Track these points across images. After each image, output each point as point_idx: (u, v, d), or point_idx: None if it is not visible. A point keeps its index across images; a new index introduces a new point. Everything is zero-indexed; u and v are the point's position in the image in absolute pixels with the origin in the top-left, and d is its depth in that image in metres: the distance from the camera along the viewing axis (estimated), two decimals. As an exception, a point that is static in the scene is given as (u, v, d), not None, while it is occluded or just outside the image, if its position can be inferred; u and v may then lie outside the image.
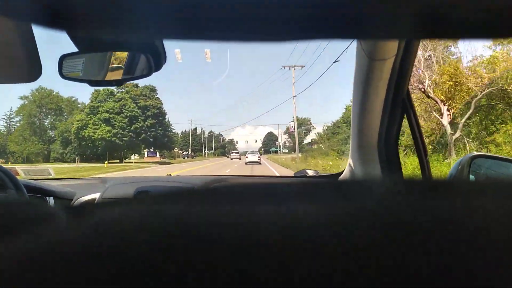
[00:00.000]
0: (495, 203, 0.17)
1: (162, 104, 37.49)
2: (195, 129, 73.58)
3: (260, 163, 25.51)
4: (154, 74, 0.90)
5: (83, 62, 0.91)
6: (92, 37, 0.86)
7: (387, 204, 0.17)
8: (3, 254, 0.15)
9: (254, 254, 0.13)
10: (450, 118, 9.83)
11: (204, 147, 69.88)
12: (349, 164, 1.17)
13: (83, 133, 31.82)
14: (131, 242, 0.14)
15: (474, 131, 9.85)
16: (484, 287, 0.12)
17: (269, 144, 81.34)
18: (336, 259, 0.13)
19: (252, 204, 0.18)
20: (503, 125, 9.29)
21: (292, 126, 28.81)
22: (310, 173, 1.48)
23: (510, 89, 9.03)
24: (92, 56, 0.92)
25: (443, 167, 8.07)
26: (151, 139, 35.24)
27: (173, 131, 71.31)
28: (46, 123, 39.18)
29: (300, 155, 24.65)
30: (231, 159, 38.53)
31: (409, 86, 0.97)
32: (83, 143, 32.28)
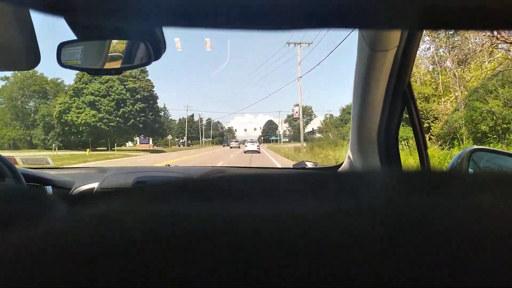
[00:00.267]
0: (494, 197, 0.17)
1: (153, 86, 37.06)
2: (192, 116, 74.07)
3: (259, 152, 26.65)
4: (153, 62, 0.97)
5: (81, 50, 0.98)
6: (91, 25, 0.92)
7: (386, 197, 0.18)
8: (1, 244, 0.15)
9: (253, 249, 0.14)
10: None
11: (202, 135, 70.54)
12: (348, 156, 1.26)
13: (65, 118, 31.48)
14: (129, 235, 0.15)
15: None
16: (483, 281, 0.12)
17: (268, 133, 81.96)
18: (336, 253, 0.14)
19: (251, 196, 0.19)
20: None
21: (297, 112, 27.82)
22: (309, 165, 1.58)
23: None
24: (91, 44, 0.99)
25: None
26: (141, 125, 34.84)
27: (170, 117, 71.92)
28: (29, 107, 38.79)
29: (305, 144, 23.56)
30: (230, 147, 40.86)
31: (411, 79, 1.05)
32: (66, 128, 32.06)
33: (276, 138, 68.14)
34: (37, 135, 35.85)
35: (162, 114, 43.48)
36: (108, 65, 0.99)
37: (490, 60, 10.85)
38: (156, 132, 39.06)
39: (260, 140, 73.47)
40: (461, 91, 11.60)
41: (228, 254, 0.14)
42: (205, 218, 0.16)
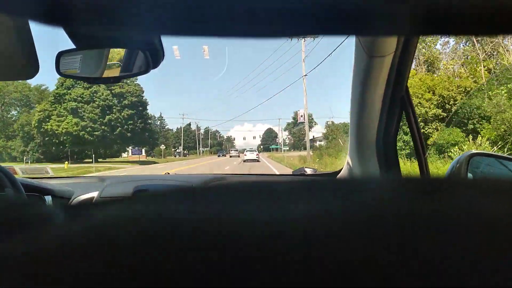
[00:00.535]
0: (493, 201, 0.19)
1: (142, 91, 36.46)
2: (189, 124, 74.87)
3: (258, 161, 27.95)
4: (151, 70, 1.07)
5: (80, 59, 1.08)
6: (90, 34, 1.01)
7: (385, 202, 0.19)
8: (1, 254, 0.17)
9: (252, 254, 0.15)
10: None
11: (199, 145, 71.12)
12: (347, 162, 1.36)
13: (45, 127, 30.58)
14: (129, 243, 0.16)
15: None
16: (481, 285, 0.13)
17: (268, 141, 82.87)
18: (334, 258, 0.15)
19: (251, 204, 0.21)
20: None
21: (301, 116, 27.53)
22: (309, 171, 1.69)
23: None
24: (90, 53, 1.09)
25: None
26: (129, 134, 34.10)
27: (166, 126, 72.30)
28: (10, 115, 37.79)
29: (311, 153, 23.20)
30: (230, 156, 42.80)
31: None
32: (46, 138, 31.04)
33: (276, 147, 68.62)
34: (15, 147, 34.85)
35: (152, 122, 42.19)
36: (107, 74, 1.09)
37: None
38: (146, 142, 38.11)
39: (259, 148, 74.49)
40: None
41: (227, 259, 0.15)
42: (204, 224, 0.17)
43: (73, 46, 1.05)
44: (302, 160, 22.05)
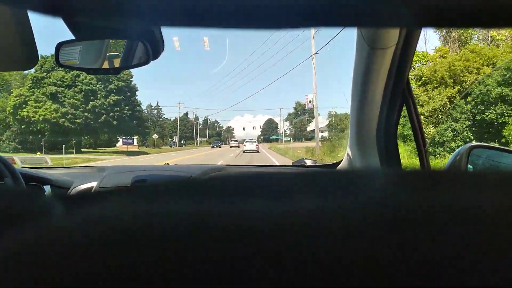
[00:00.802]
0: (493, 194, 0.20)
1: (131, 76, 35.72)
2: (186, 114, 75.27)
3: (258, 151, 29.58)
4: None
5: (80, 50, 1.17)
6: (89, 24, 1.08)
7: (385, 194, 0.21)
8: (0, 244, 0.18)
9: (251, 246, 0.16)
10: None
11: (196, 135, 72.00)
12: (347, 154, 1.47)
13: (21, 113, 29.79)
14: (126, 233, 0.17)
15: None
16: (482, 280, 0.14)
17: (268, 132, 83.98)
18: (334, 250, 0.16)
19: (250, 194, 0.22)
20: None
21: (310, 101, 26.34)
22: (308, 162, 1.81)
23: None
24: (89, 44, 1.18)
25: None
26: (115, 122, 33.20)
27: (163, 115, 72.30)
28: None
29: (320, 144, 21.67)
30: (230, 146, 45.24)
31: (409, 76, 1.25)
32: (23, 126, 30.40)
33: (277, 137, 69.02)
34: (-9, 136, 35.02)
35: (143, 109, 40.28)
36: (106, 65, 1.18)
37: None
38: (134, 130, 37.48)
39: (259, 139, 75.95)
40: None
41: (227, 251, 0.16)
42: (203, 216, 0.18)
43: (72, 37, 1.13)
44: (309, 152, 20.64)
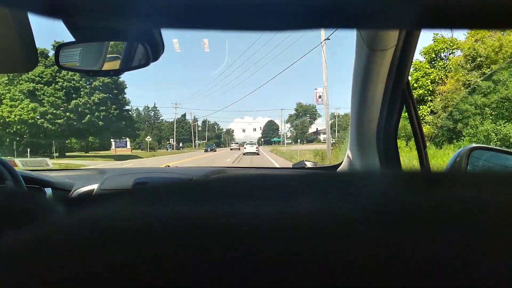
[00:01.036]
0: (493, 195, 0.20)
1: None
2: (184, 115, 75.17)
3: (258, 154, 30.58)
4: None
5: (80, 51, 1.18)
6: (89, 27, 1.09)
7: (386, 195, 0.21)
8: (1, 245, 0.18)
9: (252, 247, 0.16)
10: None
11: (195, 137, 71.54)
12: (348, 155, 1.47)
13: None
14: (127, 235, 0.18)
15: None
16: (483, 279, 0.14)
17: (269, 134, 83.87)
18: (334, 251, 0.16)
19: (250, 196, 0.22)
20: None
21: (320, 96, 23.91)
22: (309, 164, 1.81)
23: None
24: (89, 46, 1.19)
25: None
26: (101, 123, 29.86)
27: (161, 117, 72.00)
28: None
29: (331, 147, 19.13)
30: (231, 149, 45.70)
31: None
32: None
33: (278, 139, 69.13)
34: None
35: (130, 108, 35.02)
36: (106, 67, 1.19)
37: None
38: (122, 132, 33.95)
39: (260, 141, 75.98)
40: None
41: (227, 252, 0.16)
42: (204, 217, 0.18)
43: (72, 39, 1.14)
44: (319, 156, 19.07)
